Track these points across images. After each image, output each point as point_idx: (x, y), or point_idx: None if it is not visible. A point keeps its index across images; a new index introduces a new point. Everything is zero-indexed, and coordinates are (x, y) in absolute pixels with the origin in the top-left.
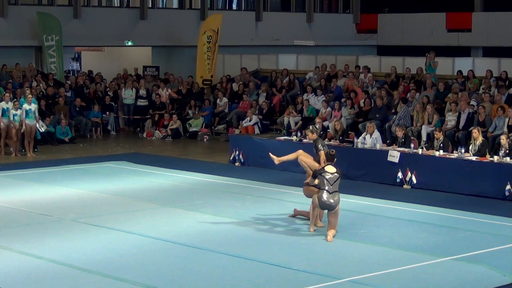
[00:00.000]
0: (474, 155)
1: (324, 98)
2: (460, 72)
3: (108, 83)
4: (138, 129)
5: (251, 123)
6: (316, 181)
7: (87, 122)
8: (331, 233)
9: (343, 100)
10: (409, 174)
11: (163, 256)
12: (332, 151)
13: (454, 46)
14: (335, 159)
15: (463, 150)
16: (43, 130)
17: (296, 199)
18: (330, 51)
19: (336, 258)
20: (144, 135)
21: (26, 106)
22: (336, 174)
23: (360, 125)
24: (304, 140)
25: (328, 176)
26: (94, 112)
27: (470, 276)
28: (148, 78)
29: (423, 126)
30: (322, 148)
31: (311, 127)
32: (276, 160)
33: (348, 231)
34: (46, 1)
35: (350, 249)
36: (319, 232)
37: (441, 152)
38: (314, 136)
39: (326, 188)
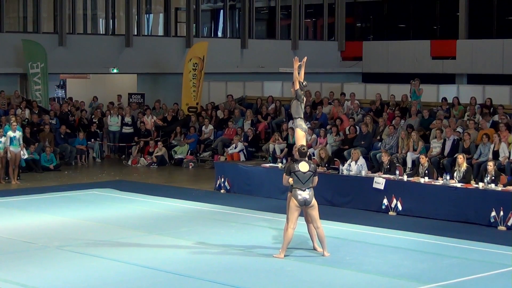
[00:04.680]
0: (459, 181)
1: (309, 125)
2: (445, 99)
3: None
4: (123, 156)
5: (237, 150)
6: (290, 180)
7: (72, 150)
8: (326, 252)
9: (328, 127)
10: (395, 200)
11: (148, 283)
12: (304, 148)
13: (439, 74)
14: (307, 154)
15: (448, 177)
16: (24, 157)
17: (282, 226)
18: (315, 78)
19: (321, 285)
20: (129, 162)
21: (10, 133)
22: (309, 172)
23: (345, 152)
24: None
25: (300, 175)
26: (79, 140)
27: None
28: (133, 106)
29: (408, 153)
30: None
31: (303, 84)
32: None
33: (334, 258)
34: (32, 29)
35: (335, 276)
36: (305, 259)
37: (426, 179)
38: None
39: (299, 186)
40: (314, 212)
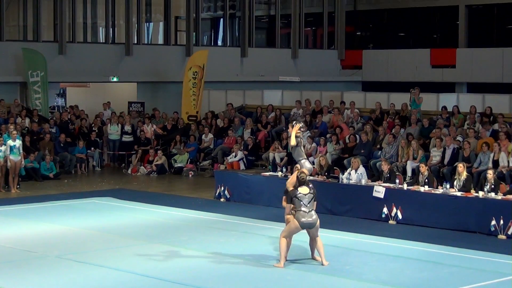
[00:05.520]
0: (459, 190)
1: (309, 134)
2: (444, 107)
3: (93, 119)
4: (123, 165)
5: (236, 158)
6: (291, 206)
7: (72, 158)
8: (324, 260)
9: (328, 135)
10: (395, 209)
11: None
12: (303, 178)
13: (439, 82)
14: (305, 181)
15: (448, 186)
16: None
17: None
18: (315, 87)
19: None
20: (129, 171)
21: (10, 142)
22: (310, 194)
23: (345, 161)
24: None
25: (302, 197)
26: (79, 148)
27: None
28: (133, 114)
29: (408, 161)
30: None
31: (299, 121)
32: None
33: (334, 267)
34: (32, 37)
35: (335, 285)
36: (305, 268)
37: (426, 187)
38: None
39: (302, 209)
40: (316, 231)
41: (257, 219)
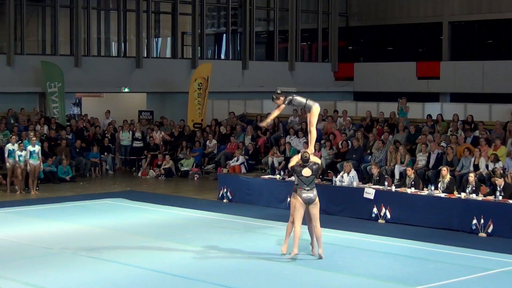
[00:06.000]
0: (443, 192)
1: (305, 140)
2: (429, 116)
3: (106, 126)
4: (134, 168)
5: (238, 163)
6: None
7: (87, 162)
8: (321, 250)
9: (322, 141)
10: (384, 209)
11: (156, 286)
12: (305, 156)
13: (424, 92)
14: (309, 160)
15: (432, 188)
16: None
17: (280, 232)
18: (310, 96)
19: (317, 287)
20: (139, 174)
21: (30, 147)
22: (311, 176)
23: (338, 165)
24: (287, 179)
25: (304, 179)
26: (93, 153)
27: None
28: (143, 122)
29: (396, 165)
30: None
31: (273, 96)
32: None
33: (328, 262)
34: (50, 51)
35: (330, 279)
36: (302, 263)
37: (413, 189)
38: (281, 100)
39: (303, 187)
40: (316, 210)
41: (257, 218)
